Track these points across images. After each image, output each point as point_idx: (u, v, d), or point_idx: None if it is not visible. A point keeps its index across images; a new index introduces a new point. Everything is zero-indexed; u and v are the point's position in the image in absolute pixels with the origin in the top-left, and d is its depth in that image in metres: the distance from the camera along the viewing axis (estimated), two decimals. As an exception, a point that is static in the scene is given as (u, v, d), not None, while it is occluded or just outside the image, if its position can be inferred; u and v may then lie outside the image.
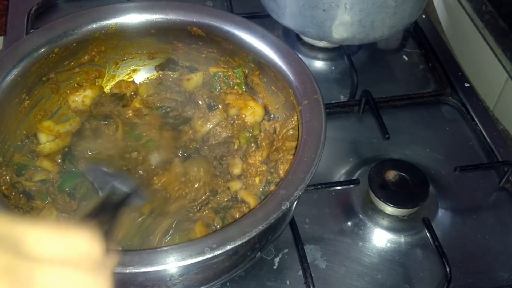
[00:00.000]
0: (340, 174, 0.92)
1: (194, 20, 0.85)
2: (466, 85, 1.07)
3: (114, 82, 0.92)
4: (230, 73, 0.88)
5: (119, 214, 0.58)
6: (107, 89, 0.92)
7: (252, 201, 0.76)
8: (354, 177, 0.91)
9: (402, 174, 0.87)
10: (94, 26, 0.84)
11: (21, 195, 0.76)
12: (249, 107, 0.86)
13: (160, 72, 0.93)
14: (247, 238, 0.61)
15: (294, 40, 1.15)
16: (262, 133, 0.84)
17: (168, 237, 0.73)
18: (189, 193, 0.76)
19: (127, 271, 0.58)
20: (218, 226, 0.74)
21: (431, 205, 0.88)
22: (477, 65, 1.15)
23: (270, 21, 1.08)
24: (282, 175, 0.76)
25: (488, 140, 0.97)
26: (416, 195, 0.85)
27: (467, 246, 0.85)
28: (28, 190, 0.78)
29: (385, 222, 0.86)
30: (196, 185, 0.77)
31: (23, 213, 0.75)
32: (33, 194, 0.78)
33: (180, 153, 0.80)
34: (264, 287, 0.79)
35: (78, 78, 0.88)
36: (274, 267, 0.81)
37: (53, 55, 0.82)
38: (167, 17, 0.86)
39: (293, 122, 0.77)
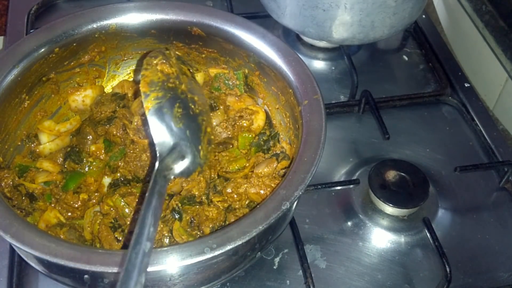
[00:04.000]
0: (340, 174, 0.93)
1: (194, 20, 0.85)
2: (466, 85, 1.07)
3: (115, 82, 0.93)
4: (231, 74, 0.88)
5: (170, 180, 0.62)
6: (107, 89, 0.92)
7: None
8: (354, 177, 0.91)
9: (402, 174, 0.87)
10: (94, 26, 0.84)
11: (23, 197, 0.76)
12: (251, 112, 0.86)
13: (160, 72, 0.93)
14: (247, 238, 0.61)
15: (294, 40, 1.15)
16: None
17: None
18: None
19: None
20: None
21: (431, 205, 0.88)
22: (477, 65, 1.15)
23: (270, 21, 1.08)
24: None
25: (488, 140, 0.97)
26: (416, 195, 0.85)
27: (467, 246, 0.85)
28: (31, 192, 0.78)
29: (385, 222, 0.86)
30: None
31: (25, 214, 0.75)
32: (36, 196, 0.78)
33: None
34: (264, 287, 0.79)
35: (78, 78, 0.88)
36: (274, 267, 0.81)
37: (53, 55, 0.82)
38: (167, 17, 0.86)
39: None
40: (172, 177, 0.65)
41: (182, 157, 0.66)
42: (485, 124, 1.00)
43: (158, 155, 0.64)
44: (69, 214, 0.77)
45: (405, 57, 1.14)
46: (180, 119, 0.67)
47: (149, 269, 0.59)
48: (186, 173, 0.67)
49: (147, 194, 0.59)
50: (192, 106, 0.70)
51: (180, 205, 0.75)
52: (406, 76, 1.11)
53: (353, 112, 1.02)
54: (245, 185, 0.77)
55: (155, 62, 0.67)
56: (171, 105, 0.66)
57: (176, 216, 0.74)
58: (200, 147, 0.69)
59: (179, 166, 0.65)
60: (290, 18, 1.01)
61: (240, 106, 0.87)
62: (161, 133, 0.64)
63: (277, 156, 0.80)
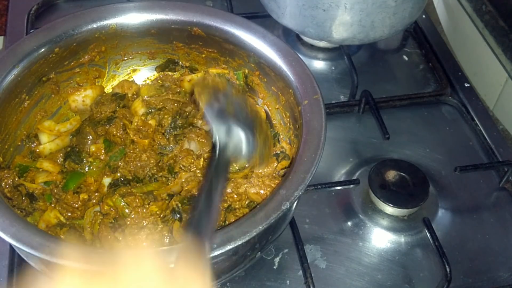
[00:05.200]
0: (340, 174, 0.93)
1: (194, 20, 0.85)
2: (466, 85, 1.07)
3: (115, 82, 0.93)
4: (231, 74, 0.88)
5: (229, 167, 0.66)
6: (107, 89, 0.92)
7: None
8: (354, 177, 0.91)
9: (402, 174, 0.87)
10: (94, 26, 0.84)
11: (23, 197, 0.76)
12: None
13: (160, 72, 0.93)
14: (247, 238, 0.61)
15: (294, 40, 1.15)
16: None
17: None
18: None
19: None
20: None
21: (431, 205, 0.88)
22: (477, 65, 1.15)
23: (270, 21, 1.08)
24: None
25: (488, 140, 0.97)
26: (416, 195, 0.85)
27: (467, 246, 0.85)
28: (31, 192, 0.78)
29: (385, 222, 0.86)
30: None
31: (26, 214, 0.75)
32: (37, 196, 0.78)
33: None
34: (264, 287, 0.79)
35: (78, 78, 0.88)
36: (274, 267, 0.81)
37: (53, 55, 0.82)
38: (167, 17, 0.86)
39: None
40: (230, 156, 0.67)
41: (239, 142, 0.68)
42: (485, 124, 1.00)
43: (217, 138, 0.67)
44: (69, 214, 0.77)
45: (405, 57, 1.14)
46: (233, 113, 0.70)
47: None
48: (246, 156, 0.69)
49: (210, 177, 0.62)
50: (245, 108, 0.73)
51: (180, 205, 0.75)
52: (406, 76, 1.11)
53: (353, 112, 1.02)
54: (245, 185, 0.77)
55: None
56: (223, 101, 0.71)
57: (176, 216, 0.74)
58: (256, 137, 0.70)
59: (237, 148, 0.68)
60: (290, 18, 1.01)
61: (240, 106, 0.87)
62: (217, 120, 0.68)
63: (277, 156, 0.80)
